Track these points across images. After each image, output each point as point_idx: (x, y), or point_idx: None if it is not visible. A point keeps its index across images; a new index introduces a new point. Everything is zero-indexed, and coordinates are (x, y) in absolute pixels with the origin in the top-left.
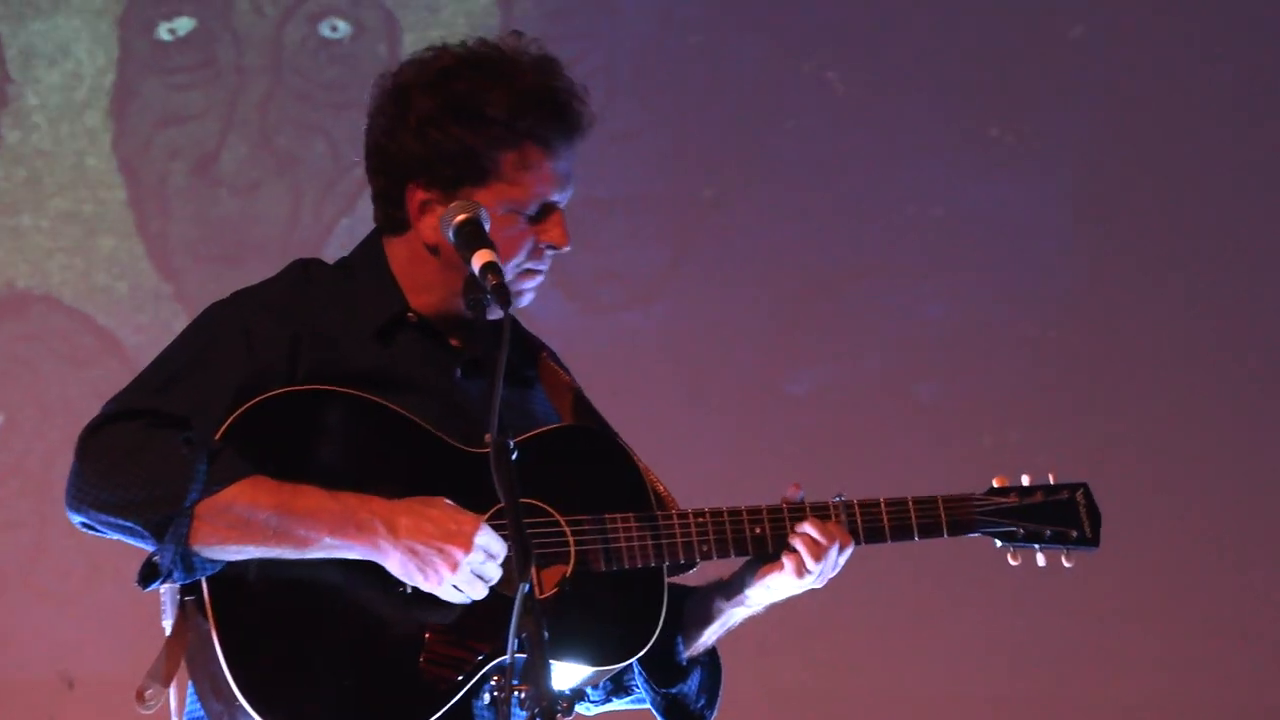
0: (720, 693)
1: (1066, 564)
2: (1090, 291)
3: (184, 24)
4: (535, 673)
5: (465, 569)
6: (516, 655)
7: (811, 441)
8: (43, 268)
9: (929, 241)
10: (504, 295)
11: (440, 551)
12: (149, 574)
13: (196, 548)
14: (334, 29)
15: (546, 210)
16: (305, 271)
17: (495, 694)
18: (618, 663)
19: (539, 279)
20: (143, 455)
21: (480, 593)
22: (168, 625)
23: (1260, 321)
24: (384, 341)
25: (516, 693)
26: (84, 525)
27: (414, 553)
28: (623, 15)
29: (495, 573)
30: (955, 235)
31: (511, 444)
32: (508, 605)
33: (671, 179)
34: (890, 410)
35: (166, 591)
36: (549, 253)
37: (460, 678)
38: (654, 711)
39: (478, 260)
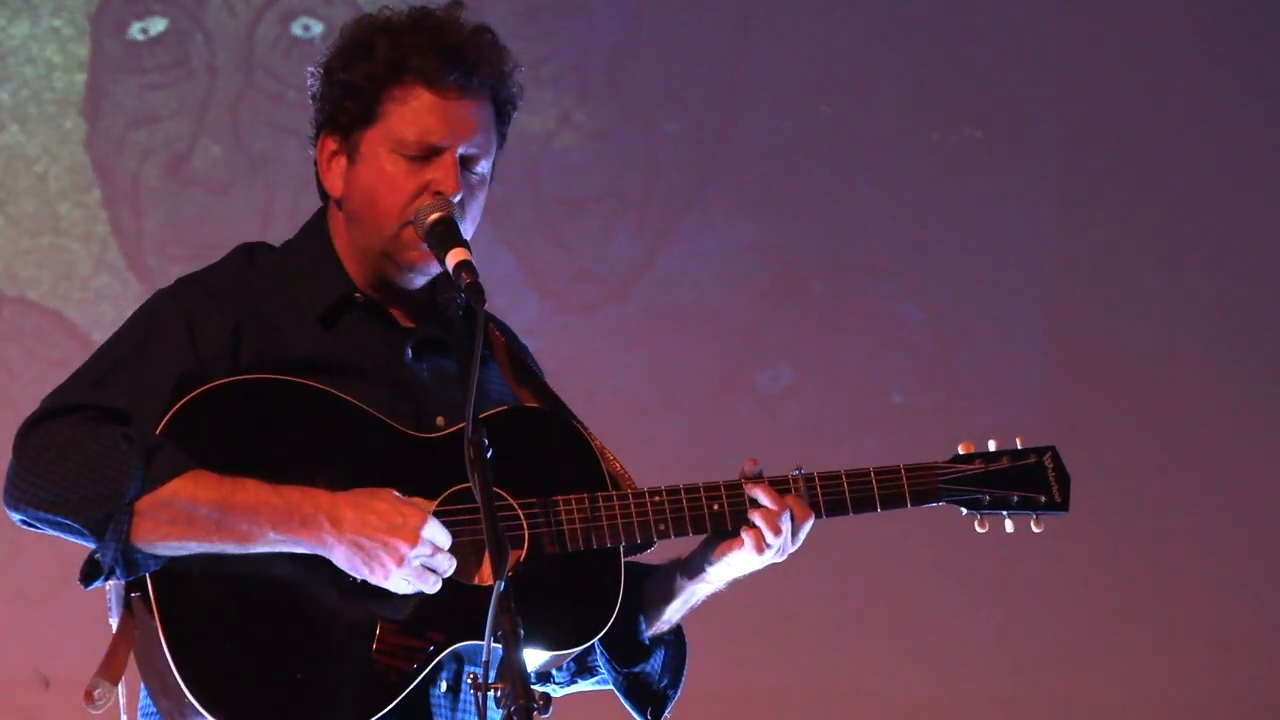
0: (685, 673)
1: (1035, 529)
2: (1072, 288)
3: (156, 24)
4: (511, 670)
5: (412, 563)
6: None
7: (785, 438)
8: (15, 268)
9: (904, 238)
10: (478, 293)
11: (385, 545)
12: (90, 572)
13: (137, 544)
14: (306, 29)
15: (434, 153)
16: (250, 257)
17: (472, 692)
18: (575, 646)
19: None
20: (80, 451)
21: (431, 585)
22: (114, 622)
23: (1261, 320)
24: (328, 326)
25: (493, 690)
26: (23, 523)
27: (359, 547)
28: (594, 14)
29: (445, 565)
30: (932, 232)
31: (486, 443)
32: (462, 593)
33: (644, 177)
34: (864, 407)
35: (112, 588)
36: (449, 200)
37: (414, 667)
38: (617, 692)
39: (451, 259)
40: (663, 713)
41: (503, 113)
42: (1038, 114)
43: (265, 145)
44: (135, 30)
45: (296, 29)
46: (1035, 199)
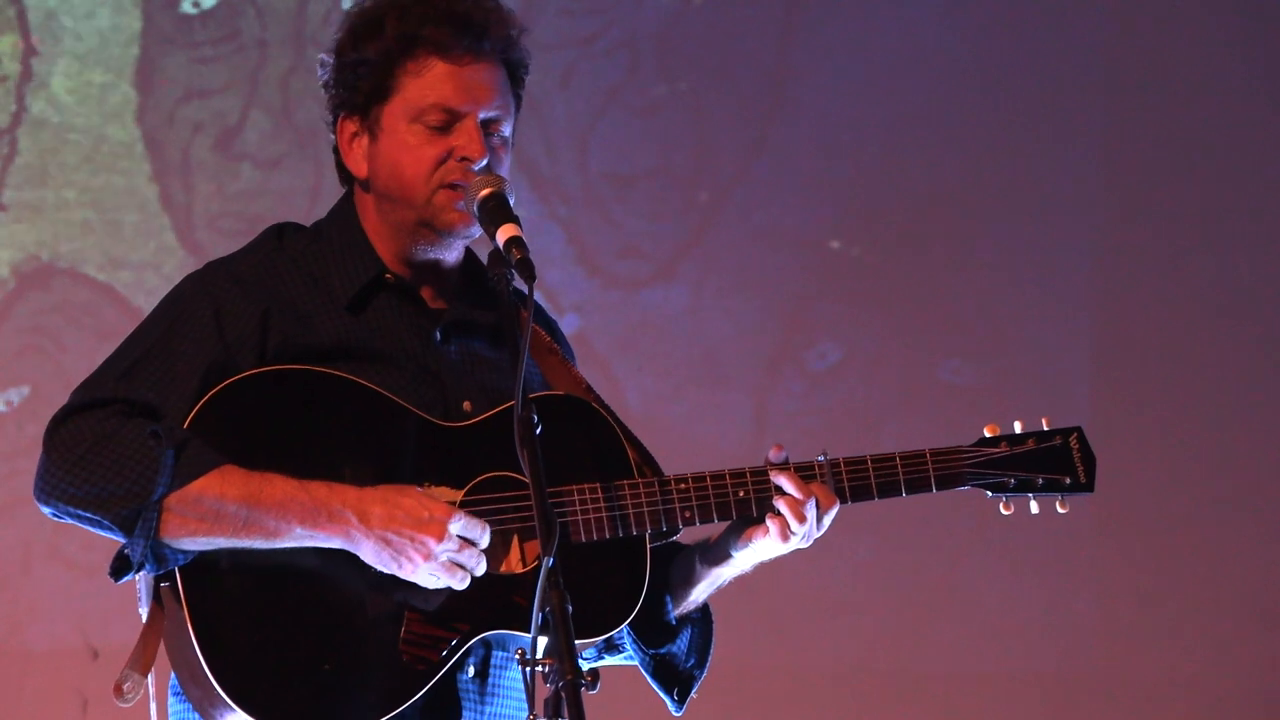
0: (711, 652)
1: (1061, 510)
2: (1121, 265)
3: None
4: (560, 647)
5: (440, 557)
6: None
7: (832, 416)
8: (66, 241)
9: (954, 215)
10: (529, 269)
11: (413, 540)
12: (120, 566)
13: (166, 540)
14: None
15: (455, 119)
16: (279, 240)
17: (521, 669)
18: (602, 634)
19: (462, 196)
20: (109, 448)
21: (460, 580)
22: (143, 613)
23: None
24: (356, 311)
25: (541, 666)
26: (54, 515)
27: (387, 542)
28: None
29: (473, 560)
30: (982, 208)
31: (536, 419)
32: (488, 582)
33: (692, 154)
34: (912, 385)
35: (142, 579)
36: (475, 166)
37: (441, 655)
38: (643, 671)
39: (502, 235)
40: (689, 693)
41: (515, 75)
42: (1087, 92)
43: (315, 119)
44: (187, 4)
45: (347, 2)
46: (1087, 175)
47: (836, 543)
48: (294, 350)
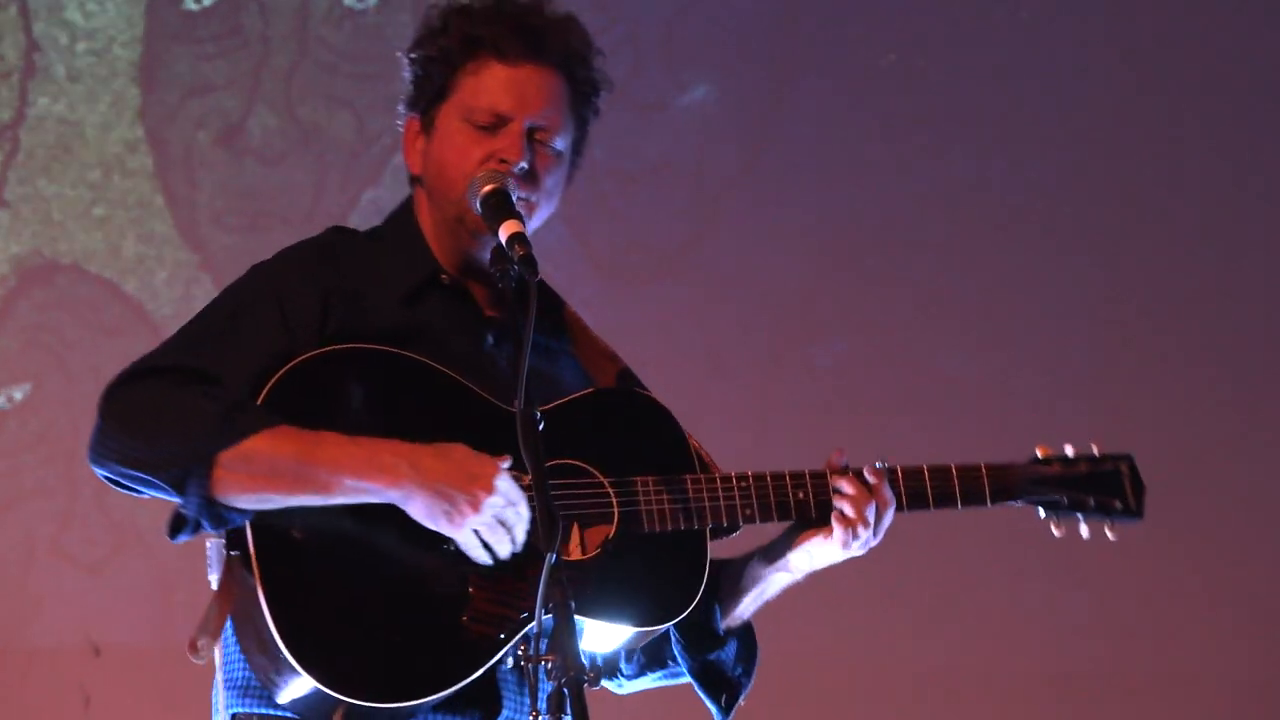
0: (755, 667)
1: (1110, 535)
2: (1123, 263)
3: None
4: (562, 642)
5: (488, 511)
6: (544, 622)
7: (837, 412)
8: (69, 237)
9: (958, 211)
10: (531, 265)
11: (465, 491)
12: (177, 525)
13: (220, 497)
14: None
15: (501, 122)
16: (340, 235)
17: (522, 663)
18: (659, 624)
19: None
20: (166, 409)
21: (502, 542)
22: (214, 580)
23: None
24: (411, 305)
25: (544, 662)
26: (108, 479)
27: (439, 493)
28: None
29: (517, 520)
30: (985, 205)
31: (538, 414)
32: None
33: (697, 149)
34: (916, 382)
35: (212, 547)
36: (513, 169)
37: (503, 635)
38: (691, 679)
39: (505, 231)
40: (736, 700)
41: (580, 92)
42: (1091, 88)
43: (318, 116)
44: (190, 0)
45: (350, 0)
46: (1089, 171)
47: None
48: (350, 337)
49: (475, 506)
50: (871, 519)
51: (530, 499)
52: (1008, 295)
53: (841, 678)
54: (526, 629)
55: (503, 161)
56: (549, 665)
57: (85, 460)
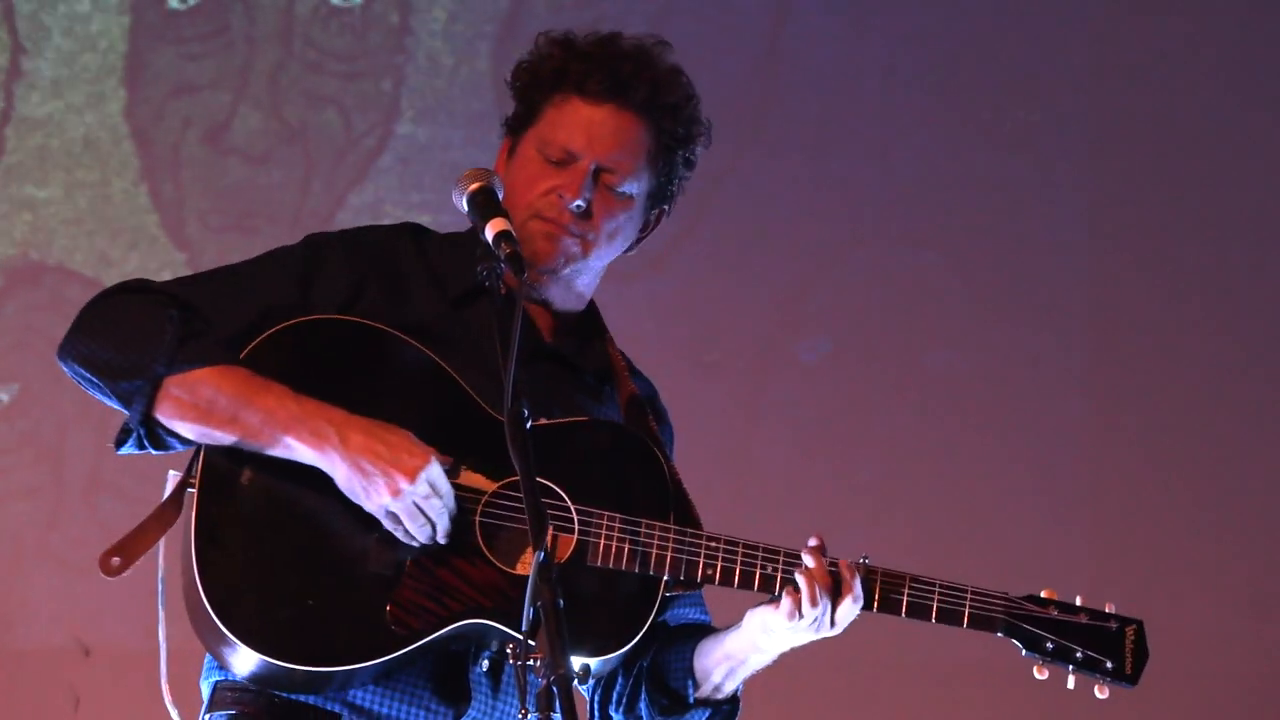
0: None
1: (1100, 695)
2: (1115, 261)
3: None
4: (551, 641)
5: (406, 498)
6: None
7: (823, 408)
8: (56, 237)
9: (946, 209)
10: (517, 264)
11: (385, 474)
12: (123, 437)
13: (160, 418)
14: None
15: (571, 159)
16: (412, 230)
17: (512, 662)
18: (592, 656)
19: (554, 231)
20: (131, 323)
21: (420, 529)
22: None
23: None
24: (459, 308)
25: (531, 660)
26: (71, 375)
27: (360, 470)
28: None
29: (438, 513)
30: (974, 203)
31: (526, 412)
32: (498, 575)
33: None
34: (902, 378)
35: (171, 477)
36: (569, 206)
37: (419, 628)
38: None
39: (491, 229)
40: None
41: (663, 141)
42: (1083, 88)
43: (304, 114)
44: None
45: None
46: (1081, 170)
47: (837, 540)
48: (382, 320)
49: (392, 490)
50: (824, 603)
51: (518, 517)
52: (994, 292)
53: (842, 678)
54: (454, 627)
55: (560, 197)
56: (536, 664)
57: (73, 461)
